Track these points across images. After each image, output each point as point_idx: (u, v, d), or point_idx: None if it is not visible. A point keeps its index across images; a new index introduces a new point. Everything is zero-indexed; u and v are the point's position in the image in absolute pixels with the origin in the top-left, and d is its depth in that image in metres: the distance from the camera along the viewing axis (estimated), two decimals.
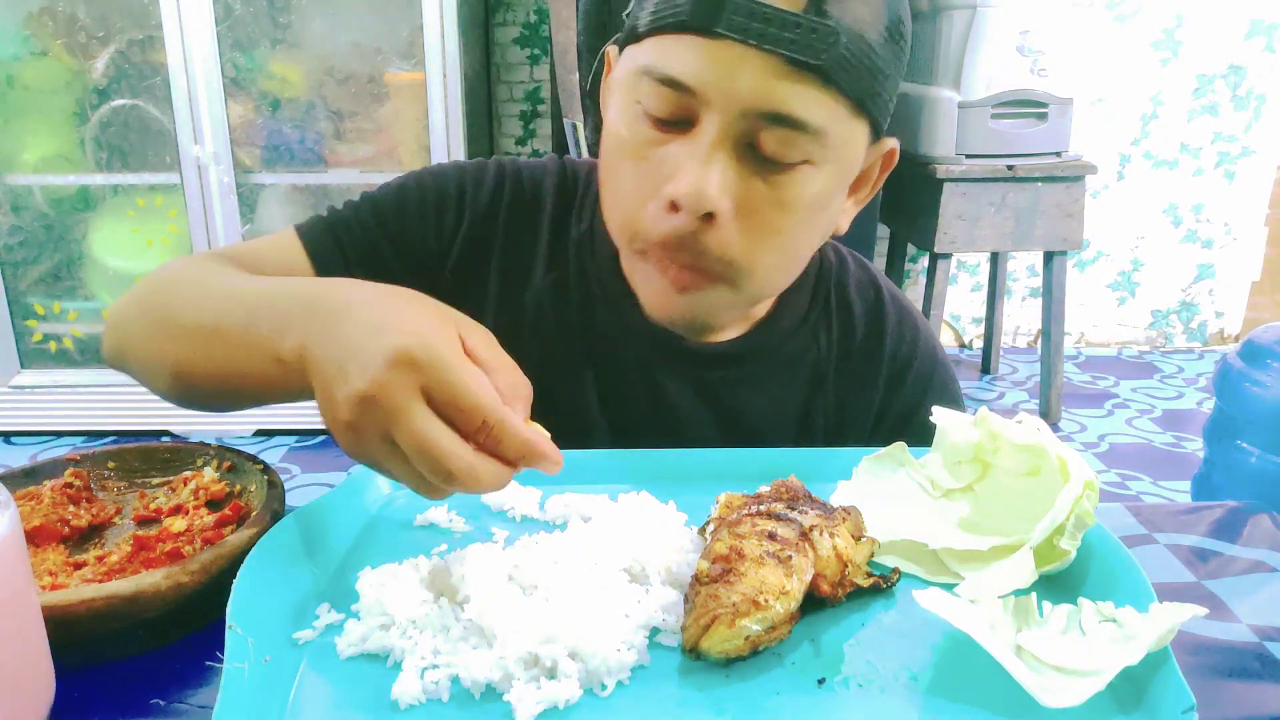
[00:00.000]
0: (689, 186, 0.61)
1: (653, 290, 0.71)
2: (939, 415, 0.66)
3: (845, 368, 0.84)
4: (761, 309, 0.82)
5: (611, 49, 0.73)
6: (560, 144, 2.57)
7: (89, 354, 2.83)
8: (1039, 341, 3.63)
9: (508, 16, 3.29)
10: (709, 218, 0.63)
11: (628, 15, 0.68)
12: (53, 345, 2.81)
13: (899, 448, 0.68)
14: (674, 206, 0.63)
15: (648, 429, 0.81)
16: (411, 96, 2.64)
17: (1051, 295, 2.95)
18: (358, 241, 0.80)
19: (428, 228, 0.81)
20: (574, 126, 2.47)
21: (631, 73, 0.65)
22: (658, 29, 0.63)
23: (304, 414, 2.84)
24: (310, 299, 0.56)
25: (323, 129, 2.69)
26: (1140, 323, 3.83)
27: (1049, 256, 2.93)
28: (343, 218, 0.81)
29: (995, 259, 3.43)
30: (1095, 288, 3.78)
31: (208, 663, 0.53)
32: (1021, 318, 3.82)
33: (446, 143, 2.63)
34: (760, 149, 0.63)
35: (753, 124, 0.62)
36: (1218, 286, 3.78)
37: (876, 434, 0.85)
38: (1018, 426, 0.62)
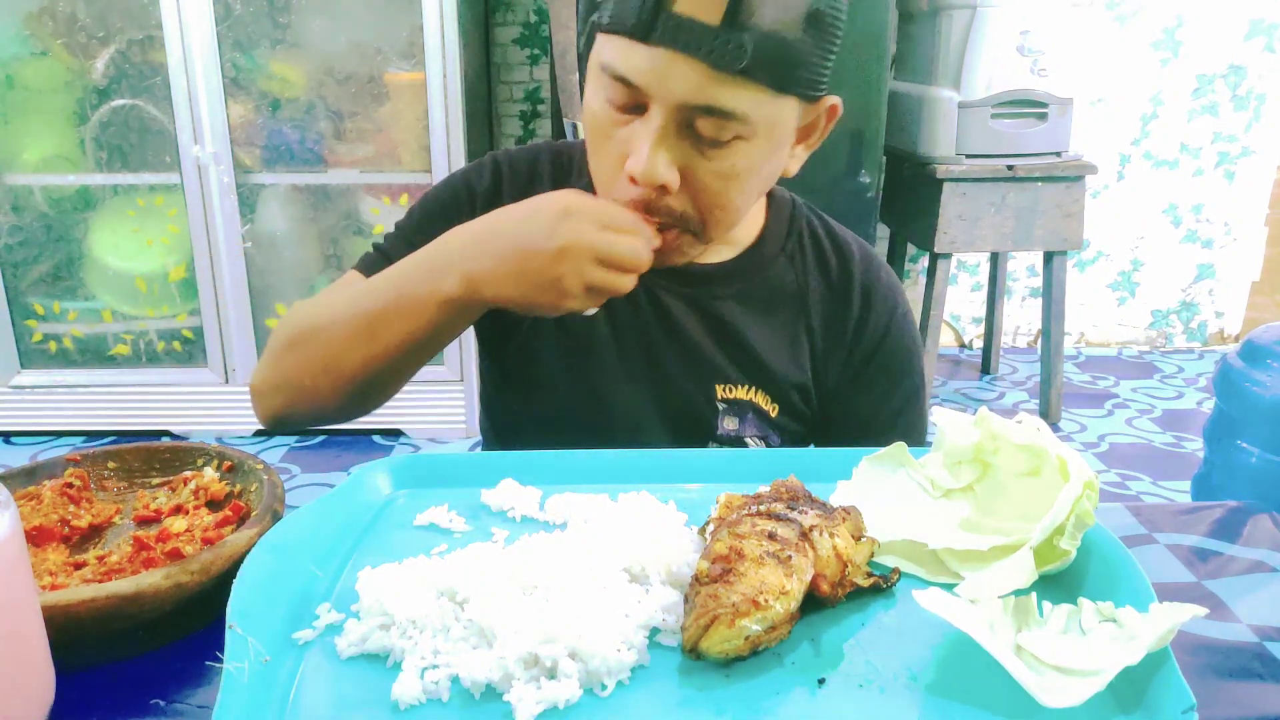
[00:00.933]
0: (641, 165, 0.73)
1: None
2: (939, 415, 0.66)
3: (825, 294, 0.94)
4: (748, 237, 0.93)
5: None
6: None
7: (89, 354, 2.83)
8: (1039, 341, 3.64)
9: (508, 16, 3.28)
10: (662, 188, 0.75)
11: (598, 6, 0.78)
12: (53, 345, 2.81)
13: (899, 448, 0.68)
14: (633, 179, 0.75)
15: (652, 338, 0.92)
16: (411, 96, 2.63)
17: (1051, 295, 2.95)
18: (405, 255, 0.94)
19: (450, 220, 0.90)
20: (574, 126, 2.47)
21: (595, 65, 0.76)
22: (610, 29, 0.73)
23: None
24: (443, 245, 0.78)
25: (323, 129, 2.69)
26: (1140, 323, 3.83)
27: (1049, 256, 2.93)
28: (388, 243, 0.94)
29: (995, 259, 3.43)
30: (1095, 288, 3.78)
31: (208, 663, 0.53)
32: (1021, 318, 3.82)
33: (446, 143, 2.63)
34: (700, 131, 0.73)
35: (688, 113, 0.72)
36: (1218, 286, 3.78)
37: (851, 360, 0.93)
38: (1018, 426, 0.62)
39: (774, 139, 0.77)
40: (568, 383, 0.92)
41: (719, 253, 0.92)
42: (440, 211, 0.93)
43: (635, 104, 0.74)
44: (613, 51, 0.73)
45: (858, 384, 0.93)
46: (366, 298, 0.80)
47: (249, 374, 2.80)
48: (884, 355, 0.94)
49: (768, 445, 0.91)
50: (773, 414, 0.90)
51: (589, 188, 0.90)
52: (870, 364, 0.93)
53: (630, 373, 0.92)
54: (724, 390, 0.90)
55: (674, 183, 0.75)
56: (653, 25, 0.69)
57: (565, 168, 0.96)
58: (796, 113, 0.77)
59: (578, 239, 0.70)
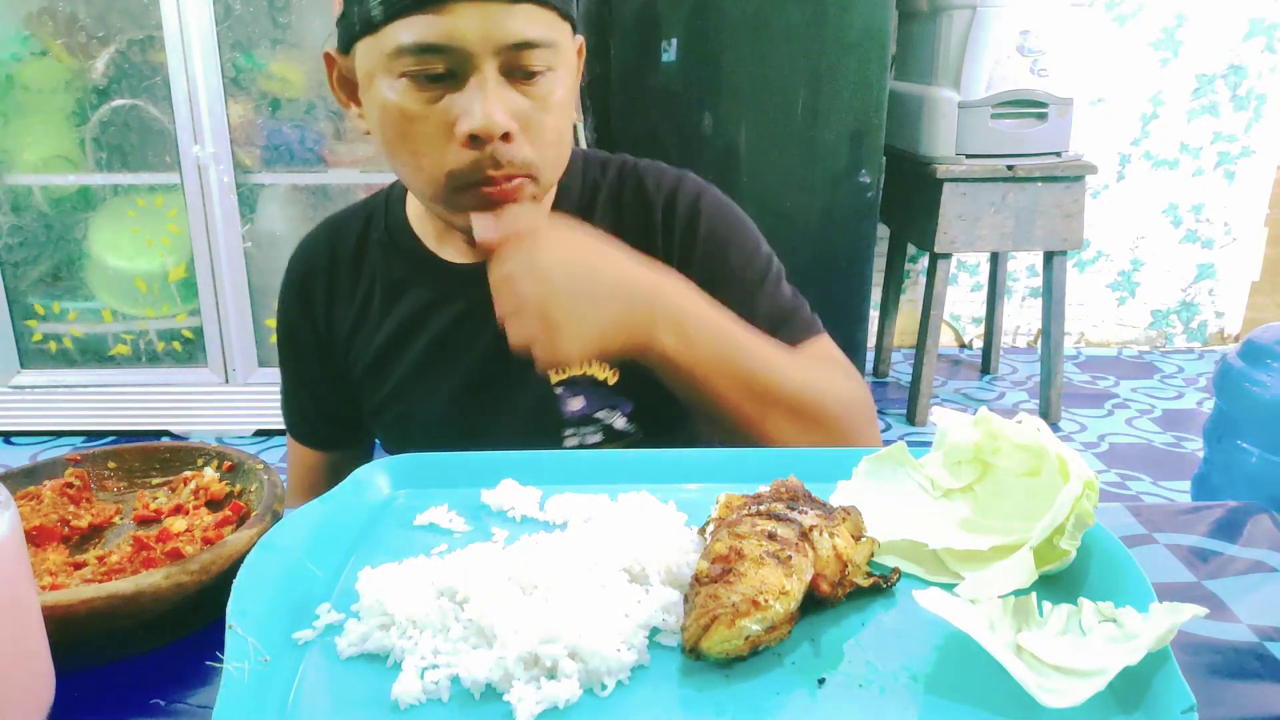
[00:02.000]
0: (483, 119, 0.75)
1: (480, 216, 0.81)
2: (939, 415, 0.66)
3: (630, 226, 0.93)
4: (546, 203, 0.94)
5: (333, 52, 0.84)
6: None
7: (89, 354, 2.83)
8: (1039, 341, 3.64)
9: None
10: (505, 138, 0.76)
11: (341, 17, 0.80)
12: (53, 345, 2.81)
13: (899, 448, 0.68)
14: (472, 139, 0.76)
15: (487, 341, 0.91)
16: None
17: (1051, 295, 2.95)
18: (307, 404, 1.04)
19: (316, 354, 1.01)
20: (574, 126, 2.46)
21: (386, 56, 0.76)
22: (395, 16, 0.74)
23: None
24: None
25: (323, 129, 2.69)
26: (1140, 323, 3.83)
27: (1049, 256, 2.93)
28: (285, 402, 1.05)
29: (995, 259, 3.43)
30: (1095, 288, 3.78)
31: (208, 663, 0.53)
32: (1021, 318, 3.82)
33: None
34: (519, 68, 0.77)
35: (508, 55, 0.75)
36: (1218, 286, 3.78)
37: (687, 269, 0.89)
38: (1018, 426, 0.62)
39: (570, 66, 0.82)
40: (441, 411, 0.95)
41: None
42: (295, 355, 1.02)
43: (448, 71, 0.75)
44: (412, 30, 0.74)
45: (704, 271, 0.90)
46: None
47: (249, 374, 2.80)
48: (703, 248, 0.92)
49: (626, 418, 0.90)
50: (612, 381, 0.89)
51: (390, 225, 0.96)
52: (693, 266, 0.90)
53: (483, 381, 0.93)
54: (556, 372, 0.90)
55: (515, 128, 0.76)
56: None
57: (370, 219, 0.99)
58: (575, 46, 0.83)
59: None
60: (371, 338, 0.97)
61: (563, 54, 0.79)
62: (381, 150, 0.83)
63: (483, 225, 0.79)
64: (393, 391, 0.96)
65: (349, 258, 0.99)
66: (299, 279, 1.00)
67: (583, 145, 2.29)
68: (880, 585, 0.56)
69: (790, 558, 0.51)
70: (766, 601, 0.48)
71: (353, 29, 0.78)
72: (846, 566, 0.54)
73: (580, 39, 0.86)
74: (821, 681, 0.48)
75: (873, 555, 0.58)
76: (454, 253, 0.94)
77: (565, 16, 0.79)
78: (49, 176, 2.68)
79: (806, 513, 0.55)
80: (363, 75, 0.80)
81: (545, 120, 0.79)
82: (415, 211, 0.96)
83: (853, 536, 0.56)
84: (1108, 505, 0.71)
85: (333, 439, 1.05)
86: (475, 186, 0.79)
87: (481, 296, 0.79)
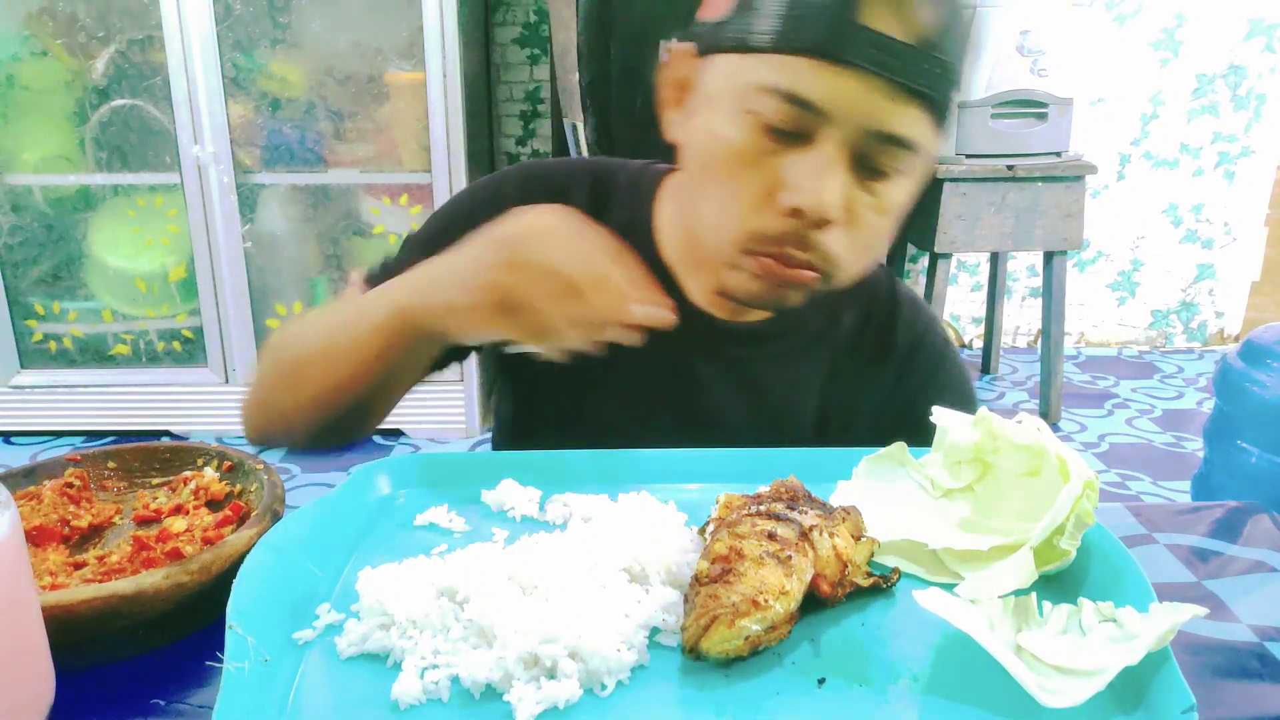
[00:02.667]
0: (814, 198, 0.68)
1: (746, 283, 0.75)
2: (939, 415, 0.66)
3: (864, 348, 0.90)
4: None
5: (683, 49, 0.76)
6: (560, 144, 2.57)
7: (89, 354, 2.83)
8: (1039, 341, 3.63)
9: (508, 16, 3.28)
10: (822, 223, 0.70)
11: (714, 23, 0.72)
12: (53, 345, 2.81)
13: (899, 448, 0.68)
14: (795, 213, 0.69)
15: (678, 409, 0.86)
16: (411, 96, 2.64)
17: (1051, 295, 2.95)
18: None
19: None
20: (574, 127, 2.47)
21: (747, 86, 0.69)
22: (780, 49, 0.67)
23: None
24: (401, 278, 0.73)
25: (323, 129, 2.69)
26: (1140, 323, 3.83)
27: (1049, 256, 2.93)
28: (399, 260, 0.87)
29: (995, 259, 3.43)
30: (1095, 288, 3.78)
31: (208, 663, 0.53)
32: (1021, 318, 3.82)
33: (446, 143, 2.63)
34: (871, 162, 0.69)
35: (866, 141, 0.68)
36: (1218, 286, 3.78)
37: (884, 416, 0.89)
38: (1018, 426, 0.62)
39: (924, 174, 0.74)
40: (575, 423, 0.88)
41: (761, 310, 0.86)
42: (460, 219, 0.84)
43: (800, 130, 0.68)
44: (788, 73, 0.66)
45: (911, 407, 0.83)
46: (327, 316, 0.78)
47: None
48: (921, 413, 0.90)
49: None
50: None
51: (631, 220, 0.85)
52: (915, 390, 0.88)
53: (641, 426, 0.86)
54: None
55: (840, 219, 0.69)
56: (847, 42, 0.64)
57: (605, 193, 0.88)
58: (934, 149, 0.74)
59: (532, 254, 0.64)
60: None
61: (922, 160, 0.72)
62: (685, 168, 0.77)
63: (751, 290, 0.74)
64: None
65: (583, 209, 0.86)
66: (540, 179, 0.89)
67: (583, 146, 2.29)
68: (880, 585, 0.56)
69: (790, 558, 0.51)
70: (766, 601, 0.48)
71: (725, 40, 0.71)
72: (846, 566, 0.54)
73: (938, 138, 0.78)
74: (821, 681, 0.48)
75: (873, 555, 0.58)
76: (695, 288, 0.86)
77: (942, 125, 0.71)
78: (49, 176, 2.68)
79: (806, 513, 0.55)
80: (709, 89, 0.73)
81: (873, 222, 0.72)
82: (668, 219, 0.87)
83: (853, 536, 0.56)
84: (1108, 505, 0.71)
85: None
86: (766, 256, 0.72)
87: (687, 337, 0.74)
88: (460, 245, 0.68)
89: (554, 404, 0.89)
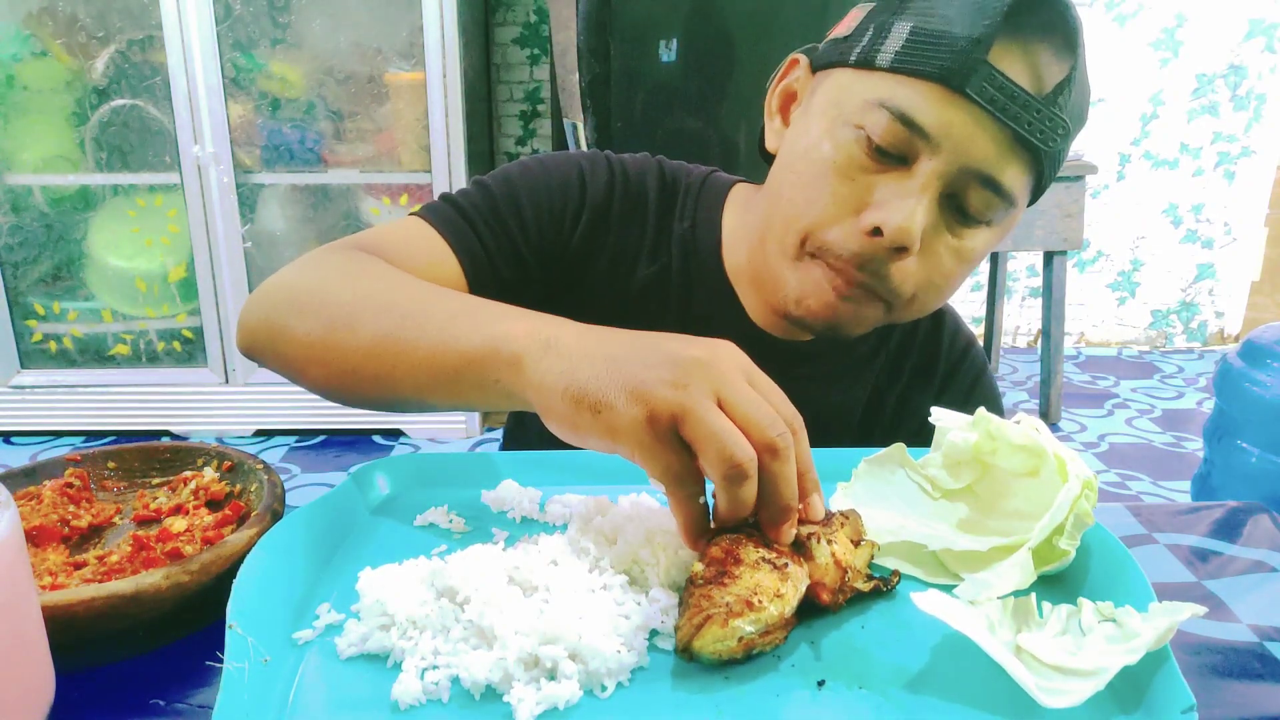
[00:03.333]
0: (899, 220, 0.67)
1: (809, 287, 0.74)
2: (938, 415, 0.66)
3: (907, 368, 0.90)
4: None
5: (802, 59, 0.77)
6: (560, 144, 2.57)
7: (89, 354, 2.83)
8: (1039, 341, 3.64)
9: (508, 16, 3.29)
10: (900, 250, 0.69)
11: (841, 39, 0.73)
12: (53, 345, 2.81)
13: (898, 448, 0.68)
14: (876, 232, 0.68)
15: None
16: (411, 96, 2.64)
17: (1051, 295, 2.95)
18: (494, 232, 0.81)
19: (555, 214, 0.84)
20: (574, 126, 2.47)
21: (861, 100, 0.69)
22: (903, 70, 0.68)
23: (304, 414, 2.84)
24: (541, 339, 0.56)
25: (323, 129, 2.69)
26: (1140, 323, 3.83)
27: (1049, 256, 2.93)
28: (474, 207, 0.81)
29: (995, 259, 3.43)
30: (1095, 288, 3.78)
31: (208, 663, 0.53)
32: (1021, 318, 3.82)
33: (446, 143, 2.63)
34: (962, 203, 0.69)
35: (966, 181, 0.68)
36: (1218, 286, 3.78)
37: (924, 433, 0.87)
38: (1016, 426, 0.62)
39: (1008, 229, 0.73)
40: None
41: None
42: (546, 198, 0.83)
43: (900, 152, 0.68)
44: (904, 92, 0.67)
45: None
46: (409, 291, 0.65)
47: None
48: (965, 398, 0.90)
49: None
50: None
51: (697, 228, 0.86)
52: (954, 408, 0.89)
53: None
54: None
55: (916, 248, 0.69)
56: (971, 76, 0.65)
57: (671, 195, 0.88)
58: (1024, 206, 0.74)
59: (686, 398, 0.49)
60: (617, 274, 0.85)
61: (1012, 217, 0.72)
62: (774, 176, 0.76)
63: (806, 295, 0.73)
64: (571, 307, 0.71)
65: (653, 211, 0.86)
66: (619, 174, 0.86)
67: (582, 146, 2.29)
68: (881, 589, 0.56)
69: (786, 565, 0.51)
70: (760, 603, 0.48)
71: (846, 54, 0.71)
72: (846, 573, 0.53)
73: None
74: (821, 683, 0.48)
75: (872, 558, 0.58)
76: (753, 304, 0.84)
77: (1038, 185, 0.72)
78: (49, 176, 2.68)
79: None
80: (821, 101, 0.73)
81: (950, 264, 0.72)
82: (734, 230, 0.85)
83: (851, 541, 0.55)
84: (1108, 505, 0.71)
85: (485, 259, 0.81)
86: (829, 267, 0.72)
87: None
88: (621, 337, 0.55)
89: None
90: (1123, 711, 0.46)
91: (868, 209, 0.69)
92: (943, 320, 0.92)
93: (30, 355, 2.81)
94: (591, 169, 0.86)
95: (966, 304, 3.77)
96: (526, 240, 0.82)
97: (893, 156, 0.69)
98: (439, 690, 0.47)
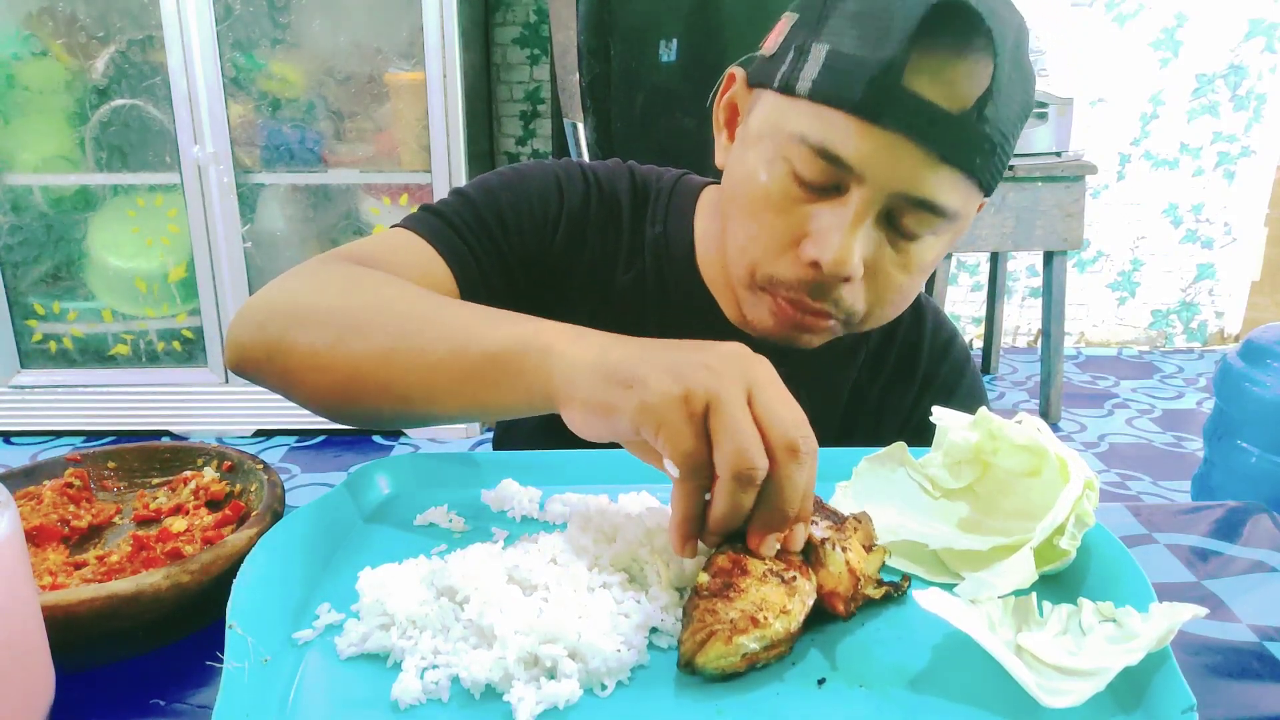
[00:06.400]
0: (834, 253, 0.67)
1: (762, 316, 0.75)
2: (939, 415, 0.66)
3: (888, 364, 0.90)
4: None
5: (739, 73, 0.76)
6: (560, 144, 2.57)
7: (89, 354, 2.83)
8: (1039, 341, 3.64)
9: (508, 16, 3.29)
10: (842, 279, 0.69)
11: (769, 57, 0.71)
12: (53, 345, 2.81)
13: (899, 448, 0.68)
14: (815, 265, 0.68)
15: None
16: (411, 96, 2.64)
17: (1051, 295, 2.95)
18: (480, 240, 0.82)
19: (536, 222, 0.84)
20: (574, 126, 2.47)
21: (785, 134, 0.68)
22: (821, 99, 0.66)
23: (304, 414, 2.83)
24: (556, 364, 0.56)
25: (323, 129, 2.69)
26: (1140, 323, 3.83)
27: (1049, 256, 2.93)
28: (458, 215, 0.82)
29: (995, 259, 3.43)
30: (1095, 288, 3.78)
31: (208, 663, 0.53)
32: (1021, 318, 3.82)
33: (446, 143, 2.63)
34: (899, 224, 0.68)
35: (897, 204, 0.67)
36: (1218, 286, 3.78)
37: (906, 429, 0.89)
38: (1018, 426, 0.62)
39: (957, 234, 0.73)
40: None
41: None
42: (525, 203, 0.83)
43: (830, 184, 0.67)
44: (823, 126, 0.66)
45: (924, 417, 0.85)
46: (416, 298, 0.65)
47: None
48: (949, 392, 0.90)
49: None
50: None
51: (670, 231, 0.86)
52: (920, 407, 0.88)
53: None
54: None
55: (860, 274, 0.69)
56: (887, 104, 0.63)
57: (642, 201, 0.88)
58: (974, 212, 0.73)
59: (723, 388, 0.50)
60: (596, 281, 0.86)
61: (957, 222, 0.70)
62: (724, 194, 0.76)
63: (761, 324, 0.74)
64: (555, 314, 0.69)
65: (627, 217, 0.87)
66: (594, 181, 0.87)
67: (583, 146, 2.29)
68: (892, 595, 0.55)
69: (794, 578, 0.50)
70: (766, 619, 0.47)
71: (773, 77, 0.70)
72: (859, 581, 0.53)
73: (983, 200, 0.74)
74: (821, 682, 0.48)
75: (883, 565, 0.58)
76: (726, 305, 0.85)
77: (987, 190, 0.70)
78: (49, 176, 2.68)
79: (817, 523, 0.54)
80: (755, 126, 0.72)
81: (899, 279, 0.71)
82: (704, 233, 0.86)
83: (863, 547, 0.55)
84: (1108, 505, 0.71)
85: (475, 267, 0.81)
86: (781, 299, 0.72)
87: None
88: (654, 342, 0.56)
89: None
90: (1123, 711, 0.45)
91: (805, 240, 0.69)
92: (923, 315, 0.91)
93: (30, 355, 2.81)
94: (567, 177, 0.86)
95: (967, 304, 3.77)
96: (511, 247, 0.83)
97: (823, 188, 0.68)
98: (439, 690, 0.47)
